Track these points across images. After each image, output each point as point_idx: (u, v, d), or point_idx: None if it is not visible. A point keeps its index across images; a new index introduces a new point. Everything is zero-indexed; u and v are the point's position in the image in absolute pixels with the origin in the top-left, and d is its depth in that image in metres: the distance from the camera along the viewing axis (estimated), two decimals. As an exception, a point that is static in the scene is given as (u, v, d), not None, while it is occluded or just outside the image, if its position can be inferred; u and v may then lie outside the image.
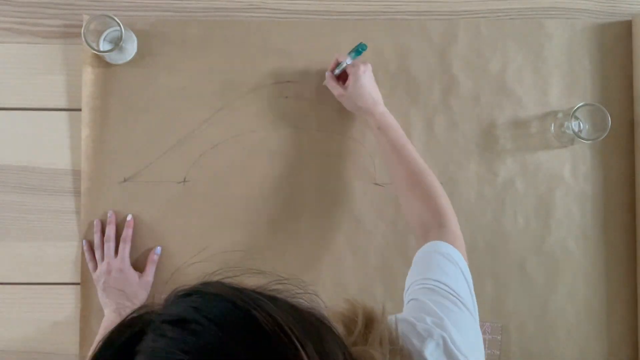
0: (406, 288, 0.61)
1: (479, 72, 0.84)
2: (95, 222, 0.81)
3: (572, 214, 0.84)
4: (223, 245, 0.82)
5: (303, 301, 0.39)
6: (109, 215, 0.81)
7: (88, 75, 0.82)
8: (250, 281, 0.40)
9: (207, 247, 0.81)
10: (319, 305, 0.40)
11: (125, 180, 0.82)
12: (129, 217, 0.81)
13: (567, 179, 0.84)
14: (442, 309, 0.54)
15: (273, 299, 0.37)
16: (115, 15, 0.77)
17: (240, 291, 0.37)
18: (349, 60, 0.76)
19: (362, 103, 0.76)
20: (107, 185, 0.82)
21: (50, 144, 0.83)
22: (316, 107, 0.83)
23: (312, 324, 0.37)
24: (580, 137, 0.78)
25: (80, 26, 0.78)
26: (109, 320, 0.76)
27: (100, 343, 0.37)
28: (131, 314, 0.38)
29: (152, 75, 0.82)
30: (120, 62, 0.82)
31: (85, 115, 0.82)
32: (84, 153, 0.82)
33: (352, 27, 0.84)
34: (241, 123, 0.83)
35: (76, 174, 0.83)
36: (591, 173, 0.84)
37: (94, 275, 0.80)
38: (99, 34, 0.80)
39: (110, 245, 0.79)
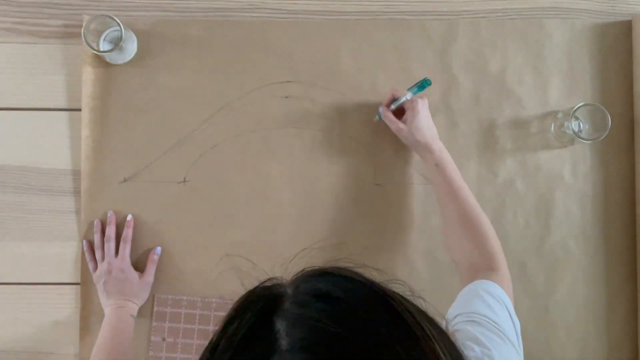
0: (448, 321, 0.61)
1: (479, 72, 0.84)
2: (95, 222, 0.81)
3: (572, 214, 0.84)
4: (223, 245, 0.82)
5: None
6: (109, 215, 0.81)
7: (88, 75, 0.82)
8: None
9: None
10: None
11: (125, 180, 0.82)
12: (129, 217, 0.81)
13: (567, 179, 0.84)
14: (490, 341, 0.55)
15: (399, 295, 0.40)
16: (115, 15, 0.77)
17: (371, 281, 0.41)
18: (409, 96, 0.76)
19: (421, 138, 0.75)
20: (107, 185, 0.82)
21: (50, 144, 0.83)
22: (316, 106, 0.83)
23: (435, 325, 0.40)
24: (580, 137, 0.78)
25: (80, 26, 0.78)
26: (109, 320, 0.76)
27: (236, 308, 0.40)
28: (261, 284, 0.42)
29: (152, 75, 0.82)
30: (120, 62, 0.82)
31: (85, 115, 0.82)
32: (84, 153, 0.82)
33: (352, 27, 0.84)
34: (241, 123, 0.83)
35: (76, 174, 0.83)
36: (591, 173, 0.84)
37: (95, 275, 0.80)
38: (99, 34, 0.80)
39: (110, 245, 0.79)
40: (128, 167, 0.82)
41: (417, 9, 0.85)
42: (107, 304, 0.78)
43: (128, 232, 0.80)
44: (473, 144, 0.84)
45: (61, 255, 0.83)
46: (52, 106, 0.83)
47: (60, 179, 0.83)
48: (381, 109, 0.79)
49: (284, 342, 0.36)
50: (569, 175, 0.84)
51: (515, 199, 0.84)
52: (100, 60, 0.82)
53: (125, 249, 0.80)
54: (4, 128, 0.82)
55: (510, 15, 0.85)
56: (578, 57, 0.84)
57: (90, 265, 0.81)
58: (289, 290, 0.40)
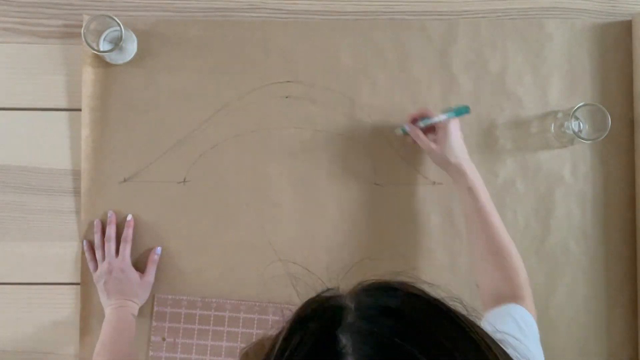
0: None
1: (479, 72, 0.84)
2: (95, 222, 0.81)
3: (572, 214, 0.84)
4: (223, 245, 0.82)
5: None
6: (109, 215, 0.81)
7: (88, 75, 0.82)
8: None
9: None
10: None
11: (125, 180, 0.82)
12: (129, 217, 0.81)
13: (567, 179, 0.84)
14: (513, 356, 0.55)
15: (462, 314, 0.39)
16: (115, 15, 0.77)
17: (435, 298, 0.40)
18: (443, 117, 0.74)
19: (454, 159, 0.74)
20: (107, 185, 0.82)
21: (50, 144, 0.83)
22: (316, 106, 0.83)
23: (497, 345, 0.39)
24: (580, 137, 0.78)
25: (80, 26, 0.78)
26: (110, 319, 0.76)
27: (297, 320, 0.39)
28: (319, 294, 0.41)
29: (152, 75, 0.82)
30: (120, 62, 0.82)
31: (85, 115, 0.82)
32: (84, 153, 0.82)
33: (352, 27, 0.84)
34: (241, 123, 0.83)
35: (76, 174, 0.83)
36: (591, 173, 0.84)
37: (95, 275, 0.80)
38: (99, 34, 0.80)
39: (110, 245, 0.79)
40: (128, 167, 0.82)
41: (417, 9, 0.85)
42: (107, 304, 0.78)
43: (128, 232, 0.80)
44: (473, 144, 0.84)
45: (61, 255, 0.83)
46: (52, 106, 0.83)
47: (60, 179, 0.83)
48: (407, 126, 0.78)
49: (350, 359, 0.35)
50: (569, 175, 0.84)
51: (515, 199, 0.84)
52: (100, 60, 0.82)
53: (126, 249, 0.80)
54: (4, 128, 0.82)
55: (510, 15, 0.85)
56: (578, 57, 0.84)
57: (91, 265, 0.81)
58: (350, 303, 0.39)
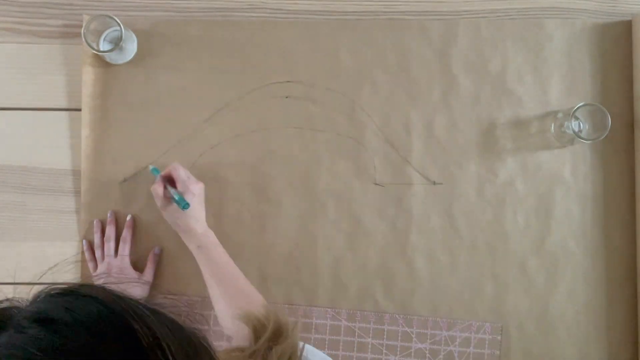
0: None
1: (479, 72, 0.84)
2: (95, 222, 0.81)
3: (572, 214, 0.84)
4: (223, 245, 0.82)
5: (187, 320, 0.38)
6: (108, 215, 0.81)
7: (88, 75, 0.82)
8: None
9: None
10: (204, 328, 0.38)
11: (125, 180, 0.82)
12: (129, 218, 0.81)
13: (567, 179, 0.84)
14: None
15: (154, 312, 0.35)
16: (115, 15, 0.77)
17: (120, 298, 0.35)
18: (175, 196, 0.74)
19: (186, 223, 0.75)
20: (107, 185, 0.82)
21: (50, 144, 0.83)
22: (316, 106, 0.83)
23: (191, 344, 0.36)
24: (580, 137, 0.78)
25: (80, 26, 0.78)
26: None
27: None
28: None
29: (152, 75, 0.82)
30: (120, 62, 0.82)
31: (85, 115, 0.82)
32: (84, 153, 0.82)
33: (352, 27, 0.84)
34: (241, 123, 0.83)
35: (76, 174, 0.83)
36: (591, 173, 0.84)
37: (94, 275, 0.80)
38: (99, 34, 0.80)
39: (110, 245, 0.79)
40: (128, 167, 0.82)
41: (417, 9, 0.85)
42: None
43: (128, 232, 0.80)
44: (473, 144, 0.84)
45: (61, 255, 0.83)
46: (52, 106, 0.83)
47: (60, 179, 0.83)
48: (158, 177, 0.76)
49: None
50: (569, 175, 0.84)
51: (515, 199, 0.84)
52: (100, 60, 0.82)
53: (125, 248, 0.80)
54: (4, 128, 0.82)
55: (510, 15, 0.85)
56: (578, 57, 0.84)
57: (90, 265, 0.81)
58: (16, 313, 0.34)
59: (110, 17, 0.76)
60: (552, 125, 0.83)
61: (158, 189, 0.75)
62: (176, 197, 0.73)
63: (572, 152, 0.84)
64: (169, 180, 0.77)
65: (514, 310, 0.83)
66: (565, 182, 0.84)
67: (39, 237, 0.83)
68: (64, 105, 0.83)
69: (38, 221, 0.83)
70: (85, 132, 0.82)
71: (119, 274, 0.78)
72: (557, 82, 0.84)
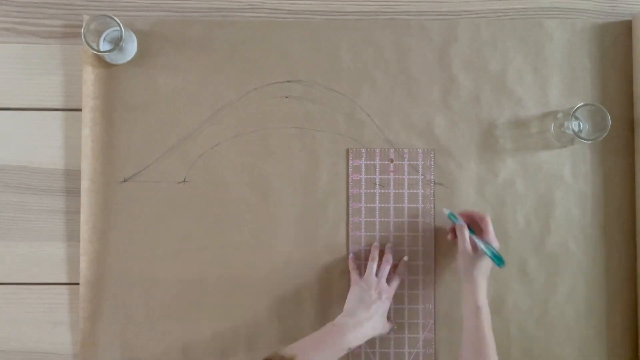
0: None
1: (479, 72, 0.84)
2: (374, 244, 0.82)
3: (572, 214, 0.84)
4: (223, 246, 0.82)
5: None
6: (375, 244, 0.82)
7: (88, 75, 0.82)
8: None
9: (206, 247, 0.81)
10: None
11: (125, 180, 0.82)
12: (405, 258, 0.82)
13: (567, 179, 0.84)
14: None
15: None
16: (115, 15, 0.77)
17: None
18: (483, 248, 0.74)
19: (477, 273, 0.74)
20: (107, 185, 0.82)
21: (50, 144, 0.83)
22: (316, 106, 0.83)
23: None
24: (580, 137, 0.78)
25: (80, 26, 0.78)
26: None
27: None
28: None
29: (152, 75, 0.82)
30: (120, 62, 0.82)
31: (85, 115, 0.82)
32: (84, 153, 0.82)
33: (352, 27, 0.84)
34: (241, 123, 0.83)
35: (75, 173, 0.83)
36: (591, 173, 0.84)
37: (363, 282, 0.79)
38: (99, 34, 0.80)
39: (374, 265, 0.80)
40: (128, 167, 0.82)
41: (417, 9, 0.85)
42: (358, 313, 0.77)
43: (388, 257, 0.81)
44: (473, 144, 0.84)
45: (61, 255, 0.83)
46: (52, 106, 0.83)
47: (60, 179, 0.83)
48: (459, 219, 0.78)
49: None
50: (569, 175, 0.84)
51: (515, 199, 0.84)
52: (100, 60, 0.82)
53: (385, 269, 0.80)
54: (4, 128, 0.83)
55: (510, 15, 0.85)
56: (578, 57, 0.84)
57: (355, 274, 0.81)
58: None
59: (110, 17, 0.76)
60: (552, 125, 0.83)
61: (465, 232, 0.76)
62: (488, 252, 0.73)
63: (572, 152, 0.84)
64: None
65: (514, 310, 0.83)
66: (565, 182, 0.84)
67: (39, 237, 0.83)
68: (63, 105, 0.83)
69: (38, 221, 0.83)
70: (85, 132, 0.82)
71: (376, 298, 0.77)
72: (557, 82, 0.84)
